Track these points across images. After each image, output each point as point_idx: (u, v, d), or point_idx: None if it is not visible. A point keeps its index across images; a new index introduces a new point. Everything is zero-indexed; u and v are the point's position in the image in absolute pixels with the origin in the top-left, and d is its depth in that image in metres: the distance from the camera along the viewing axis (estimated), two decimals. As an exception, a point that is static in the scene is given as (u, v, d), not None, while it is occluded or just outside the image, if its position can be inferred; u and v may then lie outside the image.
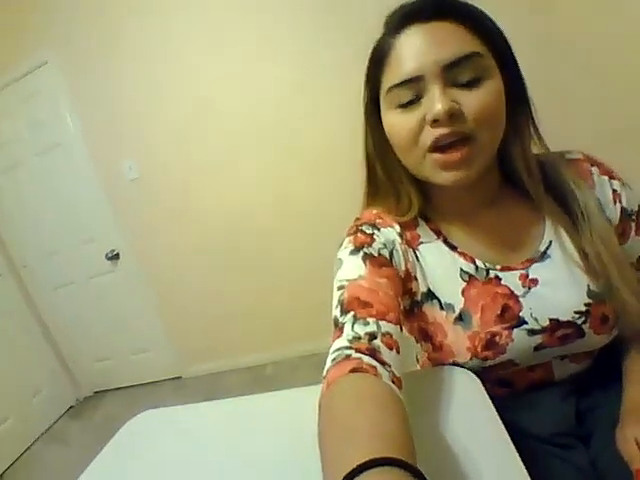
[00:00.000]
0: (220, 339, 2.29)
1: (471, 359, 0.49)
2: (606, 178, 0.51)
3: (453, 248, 0.54)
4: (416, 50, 0.44)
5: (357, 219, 0.57)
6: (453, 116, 0.43)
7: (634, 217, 0.52)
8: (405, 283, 0.52)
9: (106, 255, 2.23)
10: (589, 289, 0.49)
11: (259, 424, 0.55)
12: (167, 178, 2.09)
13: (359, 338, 0.41)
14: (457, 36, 0.43)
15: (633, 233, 0.52)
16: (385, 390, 0.35)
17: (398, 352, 0.41)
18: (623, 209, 0.51)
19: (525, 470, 0.36)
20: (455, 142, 0.44)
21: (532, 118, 0.51)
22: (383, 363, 0.38)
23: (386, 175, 0.56)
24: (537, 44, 1.58)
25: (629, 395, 0.50)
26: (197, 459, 0.51)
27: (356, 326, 0.42)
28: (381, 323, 0.42)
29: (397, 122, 0.47)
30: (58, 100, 2.08)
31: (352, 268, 0.49)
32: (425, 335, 0.54)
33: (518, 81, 0.49)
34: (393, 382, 0.37)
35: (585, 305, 0.49)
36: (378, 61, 0.49)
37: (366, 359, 0.37)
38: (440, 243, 0.54)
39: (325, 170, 1.91)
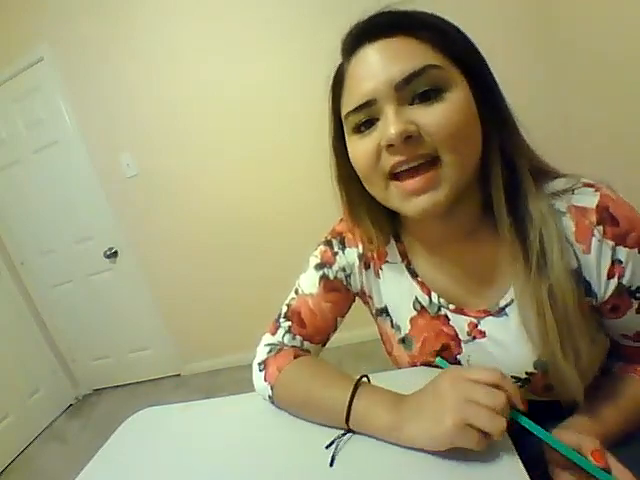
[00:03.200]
0: (219, 337, 2.29)
1: None
2: (611, 244, 0.40)
3: (414, 275, 0.54)
4: (366, 73, 0.41)
5: (340, 220, 0.61)
6: (410, 139, 0.38)
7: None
8: (362, 297, 0.61)
9: (104, 253, 2.22)
10: (538, 359, 0.45)
11: (258, 421, 0.55)
12: (165, 175, 2.08)
13: (285, 344, 0.59)
14: (408, 51, 0.39)
15: (634, 311, 0.44)
16: (318, 359, 0.57)
17: None
18: (620, 285, 0.41)
19: (524, 469, 0.36)
20: (417, 166, 0.40)
21: (514, 137, 0.43)
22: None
23: (355, 203, 0.53)
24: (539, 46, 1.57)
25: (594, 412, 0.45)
26: (196, 456, 0.51)
27: (287, 337, 0.59)
28: (305, 342, 0.59)
29: (356, 148, 0.44)
30: (55, 97, 2.07)
31: (309, 281, 0.60)
32: (382, 339, 0.62)
33: (493, 99, 0.43)
34: None
35: (527, 374, 0.46)
36: (336, 88, 0.48)
37: (297, 351, 0.57)
38: (403, 267, 0.54)
39: (325, 163, 1.90)
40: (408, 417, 0.41)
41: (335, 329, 0.62)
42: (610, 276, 0.41)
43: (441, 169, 0.39)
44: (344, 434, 0.45)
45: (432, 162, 0.39)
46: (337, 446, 0.44)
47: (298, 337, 0.59)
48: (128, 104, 2.02)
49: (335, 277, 0.58)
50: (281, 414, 0.55)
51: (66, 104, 2.07)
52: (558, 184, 0.44)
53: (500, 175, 0.42)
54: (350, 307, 0.63)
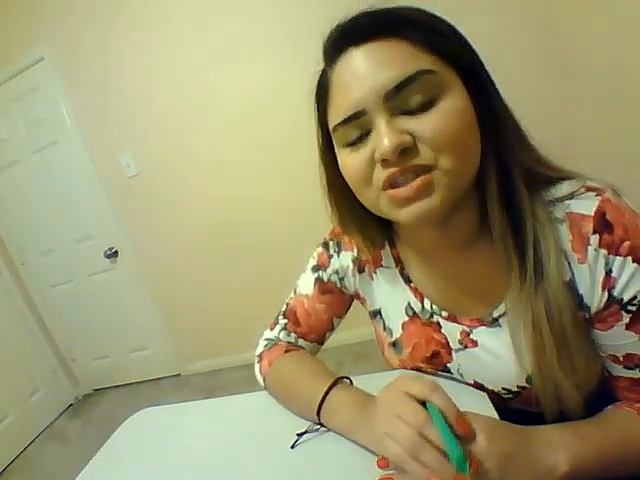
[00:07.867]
0: (219, 336, 2.29)
1: None
2: (603, 252, 0.37)
3: (407, 281, 0.53)
4: (353, 81, 0.37)
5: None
6: (405, 151, 0.36)
7: (633, 309, 0.38)
8: (358, 299, 0.62)
9: (105, 253, 2.22)
10: (532, 374, 0.42)
11: (258, 421, 0.55)
12: (166, 175, 2.08)
13: (280, 340, 0.63)
14: (398, 55, 0.36)
15: (623, 326, 0.39)
16: (307, 353, 0.61)
17: None
18: (611, 297, 0.38)
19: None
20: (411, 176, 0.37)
21: (511, 143, 0.40)
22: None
23: (345, 215, 0.51)
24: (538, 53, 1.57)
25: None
26: (196, 456, 0.51)
27: (282, 333, 0.63)
28: (299, 340, 0.63)
29: (347, 162, 0.41)
30: (55, 97, 2.07)
31: (306, 282, 0.62)
32: (377, 340, 0.62)
33: (490, 100, 0.39)
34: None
35: (518, 387, 0.45)
36: (321, 98, 0.44)
37: (289, 346, 0.61)
38: (396, 272, 0.54)
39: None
40: (364, 421, 0.42)
41: (332, 329, 0.64)
42: (604, 287, 0.38)
43: (436, 174, 0.36)
44: (317, 426, 0.48)
45: (425, 170, 0.36)
46: (305, 433, 0.48)
47: (293, 334, 0.63)
48: (128, 104, 2.01)
49: (329, 279, 0.60)
50: (281, 414, 0.55)
51: (66, 104, 2.07)
52: (560, 189, 0.41)
53: (495, 185, 0.40)
54: (348, 308, 0.64)
